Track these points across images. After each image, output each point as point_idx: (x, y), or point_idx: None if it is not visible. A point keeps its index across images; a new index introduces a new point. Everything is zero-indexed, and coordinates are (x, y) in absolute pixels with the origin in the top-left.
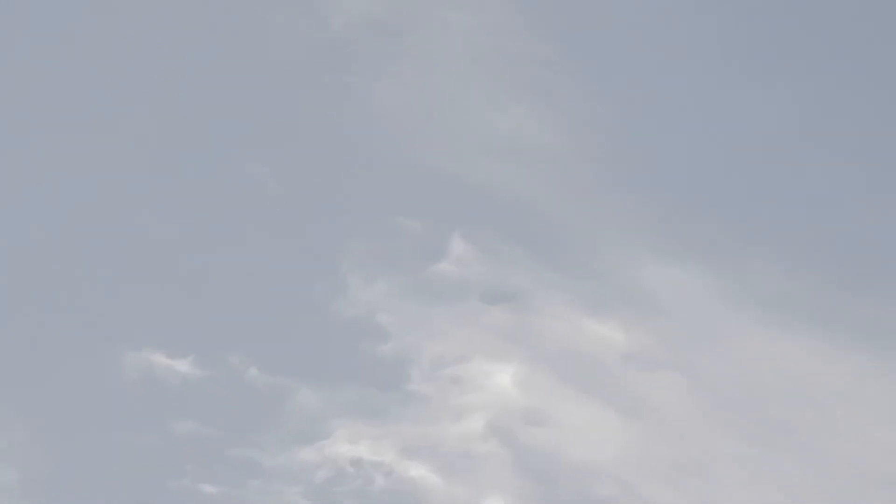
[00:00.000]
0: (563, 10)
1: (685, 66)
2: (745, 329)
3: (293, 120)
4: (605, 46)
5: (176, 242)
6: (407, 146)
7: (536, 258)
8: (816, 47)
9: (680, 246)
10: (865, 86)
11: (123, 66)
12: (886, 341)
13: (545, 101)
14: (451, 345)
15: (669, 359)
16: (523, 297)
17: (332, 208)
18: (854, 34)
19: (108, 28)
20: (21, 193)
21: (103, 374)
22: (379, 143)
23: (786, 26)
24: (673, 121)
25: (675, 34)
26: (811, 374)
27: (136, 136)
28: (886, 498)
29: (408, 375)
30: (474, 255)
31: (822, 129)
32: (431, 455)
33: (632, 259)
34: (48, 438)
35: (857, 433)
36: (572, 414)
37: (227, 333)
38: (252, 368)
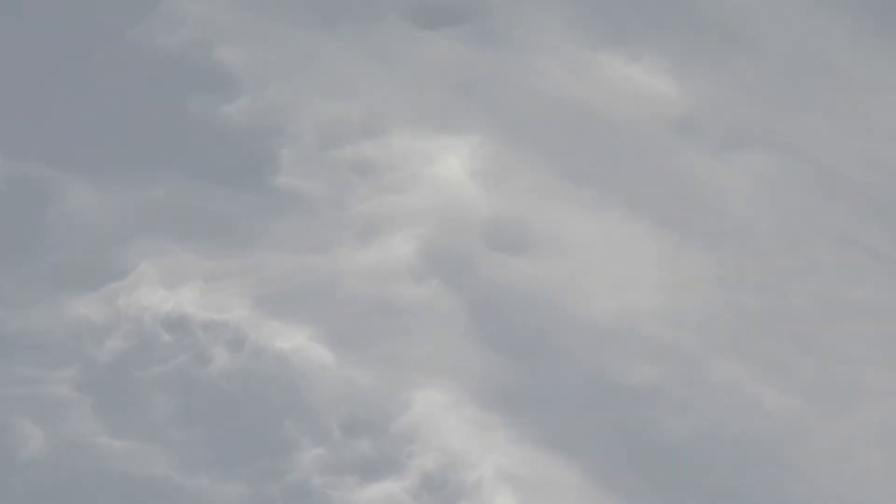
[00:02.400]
0: None
1: None
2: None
3: None
4: None
5: None
6: None
7: None
8: None
9: None
10: None
11: None
12: None
13: None
14: (354, 100)
15: (751, 125)
16: (484, 13)
17: None
18: None
19: None
20: None
21: None
22: None
23: None
24: None
25: None
26: None
27: None
28: None
29: (274, 162)
30: None
31: None
32: (318, 311)
33: None
34: None
35: None
36: (574, 228)
37: None
38: None
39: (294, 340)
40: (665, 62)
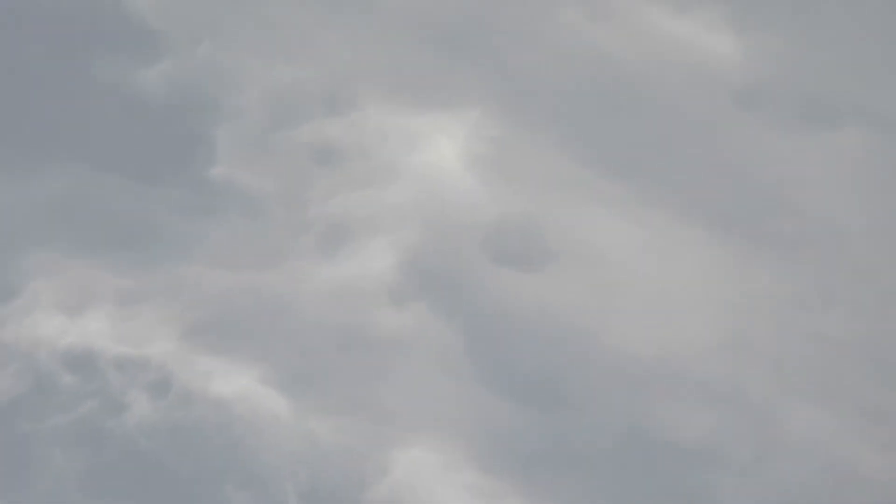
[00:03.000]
0: None
1: None
2: None
3: None
4: None
5: None
6: None
7: None
8: None
9: None
10: None
11: None
12: None
13: None
14: (313, 62)
15: (835, 95)
16: None
17: None
18: None
19: None
20: None
21: None
22: None
23: None
24: None
25: None
26: None
27: None
28: None
29: (208, 146)
30: None
31: None
32: (268, 344)
33: None
34: None
35: None
36: (604, 233)
37: None
38: None
39: (236, 383)
40: (722, 13)
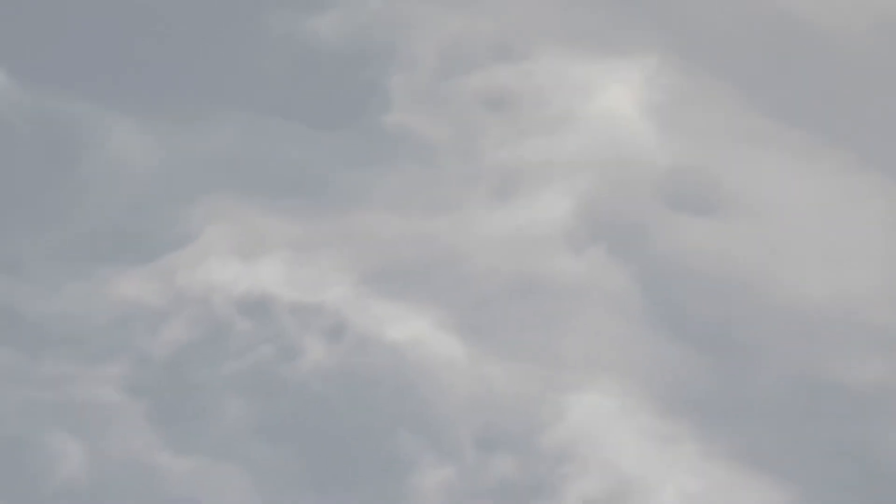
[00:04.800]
0: None
1: None
2: None
3: None
4: None
5: None
6: None
7: None
8: None
9: None
10: None
11: None
12: None
13: None
14: (485, 10)
15: None
16: None
17: None
18: None
19: None
20: None
21: None
22: None
23: None
24: None
25: None
26: None
27: None
28: None
29: (381, 95)
30: None
31: None
32: (442, 290)
33: None
34: None
35: None
36: (780, 181)
37: None
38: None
39: (411, 328)
40: None
